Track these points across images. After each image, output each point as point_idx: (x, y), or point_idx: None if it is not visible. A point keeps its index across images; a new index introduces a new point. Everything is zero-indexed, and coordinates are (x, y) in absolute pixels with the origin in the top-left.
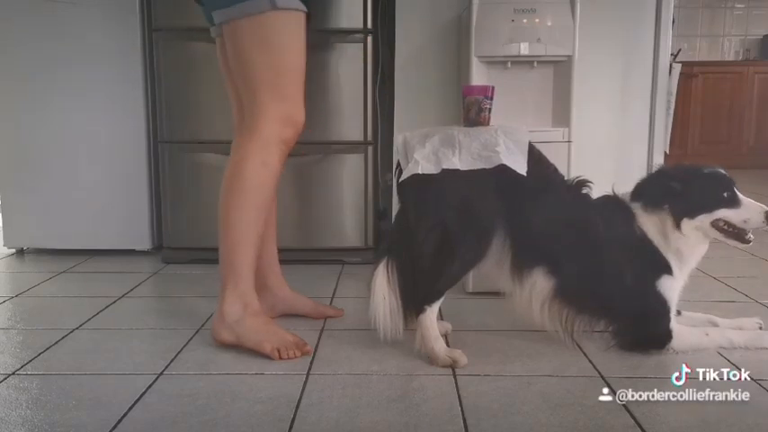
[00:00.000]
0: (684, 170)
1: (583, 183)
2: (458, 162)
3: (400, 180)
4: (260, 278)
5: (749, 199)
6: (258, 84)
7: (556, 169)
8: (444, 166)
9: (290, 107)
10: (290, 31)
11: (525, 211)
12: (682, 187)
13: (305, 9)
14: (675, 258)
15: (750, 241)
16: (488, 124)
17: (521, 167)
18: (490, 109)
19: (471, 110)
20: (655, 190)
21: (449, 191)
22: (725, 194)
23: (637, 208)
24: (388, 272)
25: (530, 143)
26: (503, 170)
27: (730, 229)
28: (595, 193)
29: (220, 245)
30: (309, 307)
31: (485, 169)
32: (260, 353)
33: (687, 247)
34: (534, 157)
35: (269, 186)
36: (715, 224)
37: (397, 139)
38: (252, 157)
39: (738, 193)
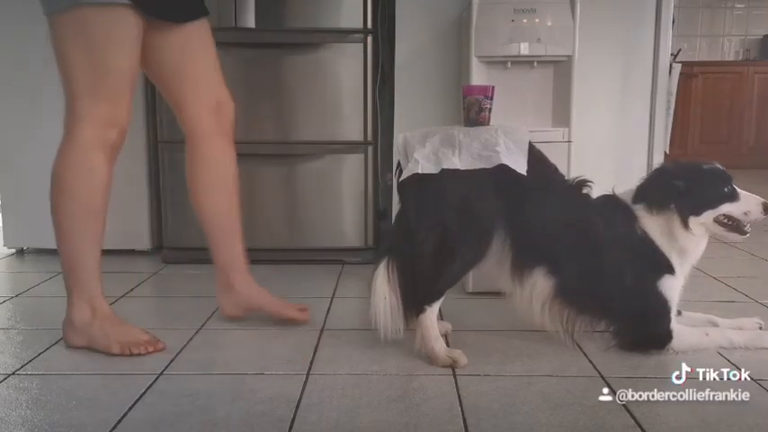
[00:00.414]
0: (685, 168)
1: (583, 183)
2: (458, 162)
3: (400, 180)
4: (224, 277)
5: (746, 192)
6: (74, 84)
7: (556, 169)
8: (444, 166)
9: (111, 108)
10: (106, 28)
11: (525, 211)
12: (685, 185)
13: (126, 1)
14: (677, 256)
15: (748, 233)
16: (488, 124)
17: (521, 167)
18: (490, 109)
19: (471, 110)
20: (659, 190)
21: (449, 191)
22: (725, 189)
23: (639, 209)
24: (388, 272)
25: (530, 143)
26: (503, 170)
27: (731, 223)
28: (595, 192)
29: (59, 253)
30: (277, 305)
31: (485, 169)
32: (110, 354)
33: (691, 245)
34: (535, 156)
35: (99, 191)
36: (717, 219)
37: (398, 138)
38: (75, 164)
39: (736, 187)
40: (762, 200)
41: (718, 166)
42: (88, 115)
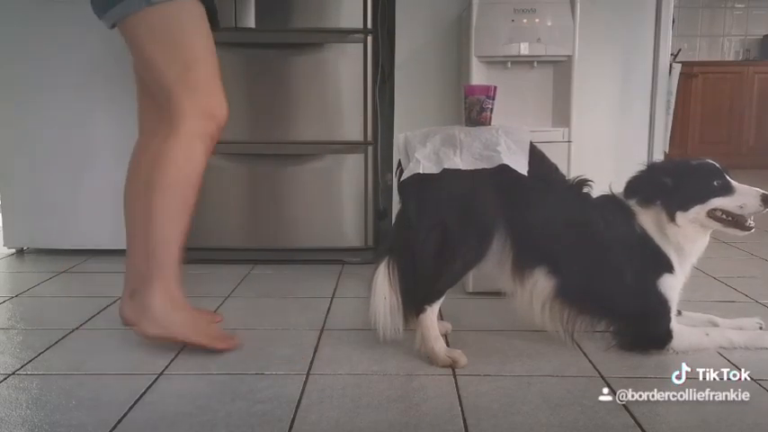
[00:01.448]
0: (674, 164)
1: (583, 182)
2: (459, 162)
3: (401, 179)
4: (134, 283)
5: (744, 185)
6: (167, 81)
7: (557, 169)
8: (445, 166)
9: (207, 99)
10: (183, 22)
11: (526, 210)
12: (673, 182)
13: None
14: (676, 253)
15: (751, 228)
16: (490, 124)
17: (522, 167)
18: (492, 109)
19: (473, 109)
20: (647, 186)
21: (450, 190)
22: (715, 183)
23: (633, 205)
24: (388, 272)
25: (531, 143)
26: (504, 170)
27: (729, 218)
28: (596, 192)
29: (147, 240)
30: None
31: (486, 169)
32: (188, 344)
33: (687, 241)
34: (536, 156)
35: (194, 182)
36: (712, 214)
37: (399, 138)
38: (175, 154)
39: (731, 180)
40: (761, 192)
41: (710, 161)
42: (187, 108)
